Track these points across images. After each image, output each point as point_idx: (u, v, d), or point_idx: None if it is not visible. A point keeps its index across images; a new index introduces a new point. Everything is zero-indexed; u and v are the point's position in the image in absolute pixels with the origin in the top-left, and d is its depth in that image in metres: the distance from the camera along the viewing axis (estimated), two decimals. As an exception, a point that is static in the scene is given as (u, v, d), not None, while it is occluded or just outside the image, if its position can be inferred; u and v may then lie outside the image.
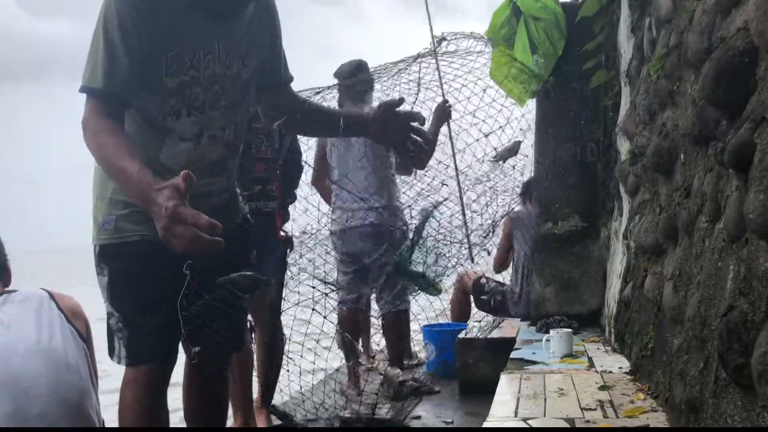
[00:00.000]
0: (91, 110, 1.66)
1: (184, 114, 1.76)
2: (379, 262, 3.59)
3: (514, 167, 4.27)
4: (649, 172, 2.37)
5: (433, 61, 3.88)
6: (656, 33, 2.35)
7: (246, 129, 1.99)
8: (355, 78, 3.74)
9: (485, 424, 1.96)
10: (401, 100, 2.00)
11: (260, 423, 3.03)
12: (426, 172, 3.87)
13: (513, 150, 4.07)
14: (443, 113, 3.74)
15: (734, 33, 1.49)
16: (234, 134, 1.90)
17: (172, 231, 1.39)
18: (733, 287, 1.42)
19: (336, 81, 3.82)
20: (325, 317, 3.34)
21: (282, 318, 3.13)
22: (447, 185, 3.93)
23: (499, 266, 4.70)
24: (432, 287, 3.27)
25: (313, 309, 3.11)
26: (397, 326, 3.78)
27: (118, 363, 1.84)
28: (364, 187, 3.64)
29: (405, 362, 4.11)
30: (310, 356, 3.28)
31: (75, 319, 1.93)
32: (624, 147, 2.95)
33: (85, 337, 1.96)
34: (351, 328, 3.62)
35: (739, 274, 1.39)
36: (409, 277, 3.15)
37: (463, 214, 3.82)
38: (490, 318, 4.47)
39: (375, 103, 3.85)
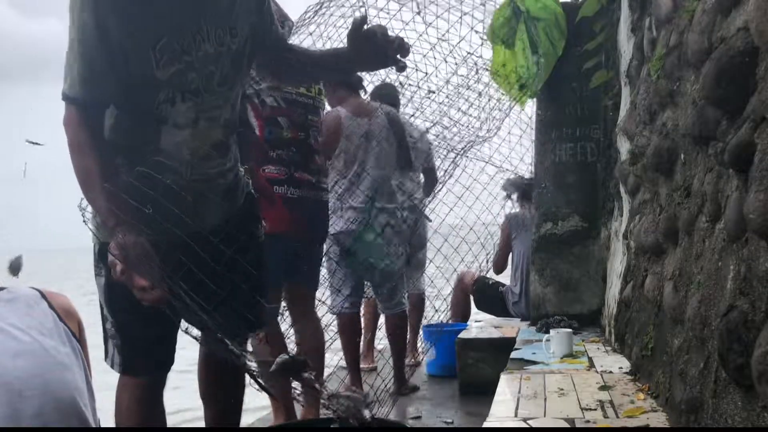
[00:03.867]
0: (69, 116, 1.61)
1: (179, 100, 1.67)
2: (396, 262, 3.59)
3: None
4: (650, 172, 2.37)
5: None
6: (656, 33, 2.35)
7: (240, 102, 1.90)
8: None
9: (485, 424, 1.96)
10: (363, 19, 1.84)
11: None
12: None
13: (518, 184, 4.09)
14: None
15: (734, 33, 1.49)
16: (231, 111, 1.82)
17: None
18: (733, 287, 1.42)
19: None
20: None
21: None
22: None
23: (499, 267, 4.70)
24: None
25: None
26: (401, 328, 3.78)
27: (112, 368, 1.81)
28: (392, 186, 3.63)
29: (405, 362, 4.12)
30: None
31: (68, 318, 1.89)
32: (624, 147, 2.95)
33: (79, 337, 1.92)
34: (354, 333, 3.61)
35: (740, 274, 1.39)
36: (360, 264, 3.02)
37: None
38: (491, 318, 4.48)
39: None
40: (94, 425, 1.84)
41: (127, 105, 1.66)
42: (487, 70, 3.68)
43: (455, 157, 3.85)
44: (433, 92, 3.37)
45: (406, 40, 1.86)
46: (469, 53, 3.51)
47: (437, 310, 4.33)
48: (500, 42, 3.72)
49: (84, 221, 1.76)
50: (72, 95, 1.60)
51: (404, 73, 3.31)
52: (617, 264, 3.15)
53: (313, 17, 3.69)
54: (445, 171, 3.95)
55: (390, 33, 1.80)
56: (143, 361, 1.78)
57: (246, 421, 3.29)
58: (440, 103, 3.65)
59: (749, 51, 1.40)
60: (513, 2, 3.66)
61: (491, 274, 4.72)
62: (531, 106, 4.04)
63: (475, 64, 3.56)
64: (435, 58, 3.52)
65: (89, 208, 1.73)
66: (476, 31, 3.38)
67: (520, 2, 3.63)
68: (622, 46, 3.11)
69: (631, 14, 2.84)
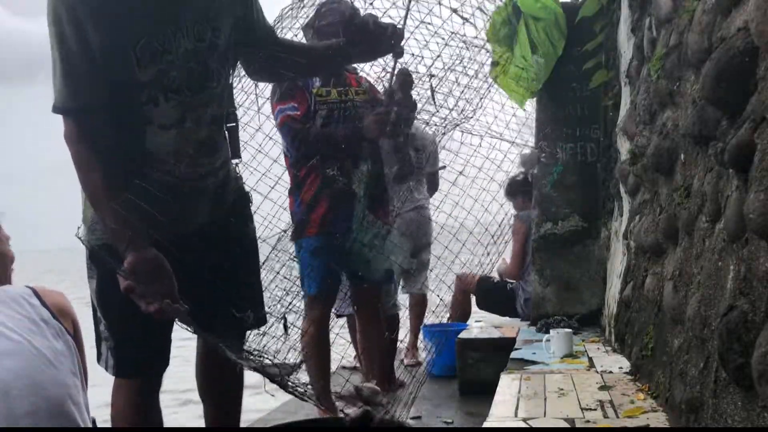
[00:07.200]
0: (68, 130, 1.60)
1: (162, 100, 1.64)
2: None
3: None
4: (649, 172, 2.37)
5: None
6: (656, 33, 2.35)
7: (230, 96, 1.88)
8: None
9: (485, 424, 1.96)
10: (353, 9, 1.91)
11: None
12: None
13: (533, 159, 3.98)
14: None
15: (734, 33, 1.49)
16: (219, 107, 1.77)
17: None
18: (733, 287, 1.42)
19: None
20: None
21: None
22: None
23: (516, 274, 4.40)
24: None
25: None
26: (391, 330, 3.75)
27: (106, 370, 1.80)
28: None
29: (404, 362, 4.12)
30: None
31: (62, 315, 1.86)
32: (624, 147, 2.95)
33: (74, 334, 1.90)
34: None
35: (739, 274, 1.39)
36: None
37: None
38: (491, 318, 4.46)
39: None
40: (83, 423, 1.82)
41: (112, 108, 1.63)
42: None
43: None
44: (434, 75, 3.26)
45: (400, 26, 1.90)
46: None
47: (441, 299, 4.25)
48: (501, 42, 3.72)
49: (81, 239, 1.76)
50: (61, 105, 1.58)
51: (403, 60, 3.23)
52: (617, 264, 3.15)
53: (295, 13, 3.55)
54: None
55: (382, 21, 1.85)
56: (137, 363, 1.77)
57: (247, 420, 3.30)
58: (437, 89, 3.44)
59: (749, 51, 1.41)
60: (513, 2, 3.66)
61: (494, 274, 4.66)
62: (531, 106, 4.03)
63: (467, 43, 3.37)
64: (437, 44, 3.37)
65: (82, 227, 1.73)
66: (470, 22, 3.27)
67: (520, 2, 3.63)
68: (622, 46, 3.11)
69: (631, 14, 2.84)
